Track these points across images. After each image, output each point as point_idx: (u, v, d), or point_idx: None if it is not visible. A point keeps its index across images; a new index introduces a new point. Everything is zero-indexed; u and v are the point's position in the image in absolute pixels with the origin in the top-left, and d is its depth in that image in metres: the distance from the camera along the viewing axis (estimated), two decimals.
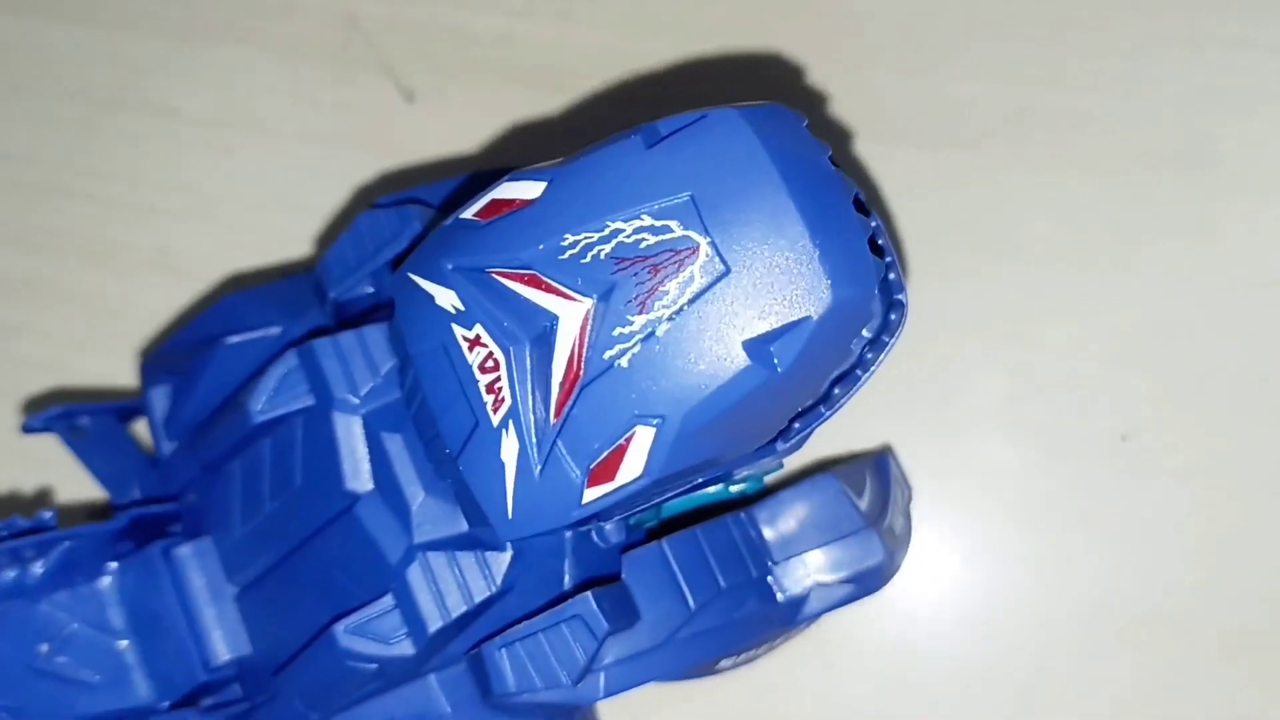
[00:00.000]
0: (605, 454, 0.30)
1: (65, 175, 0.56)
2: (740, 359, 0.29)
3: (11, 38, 0.57)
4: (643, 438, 0.30)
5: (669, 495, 0.34)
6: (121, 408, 0.47)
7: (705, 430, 0.30)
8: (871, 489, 0.42)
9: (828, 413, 0.34)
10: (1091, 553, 0.45)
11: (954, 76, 0.48)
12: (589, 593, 0.35)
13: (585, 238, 0.30)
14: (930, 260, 0.47)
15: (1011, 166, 0.47)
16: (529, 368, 0.31)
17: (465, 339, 0.31)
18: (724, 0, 0.50)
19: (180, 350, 0.44)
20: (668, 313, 0.29)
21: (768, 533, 0.40)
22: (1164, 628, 0.44)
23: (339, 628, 0.37)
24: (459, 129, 0.52)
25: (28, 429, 0.44)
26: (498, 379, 0.31)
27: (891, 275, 0.33)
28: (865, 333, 0.32)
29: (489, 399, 0.31)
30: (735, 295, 0.29)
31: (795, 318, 0.29)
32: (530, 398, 0.31)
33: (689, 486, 0.34)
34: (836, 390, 0.34)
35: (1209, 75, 0.46)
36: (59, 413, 0.44)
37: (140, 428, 0.49)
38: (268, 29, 0.55)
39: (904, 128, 0.48)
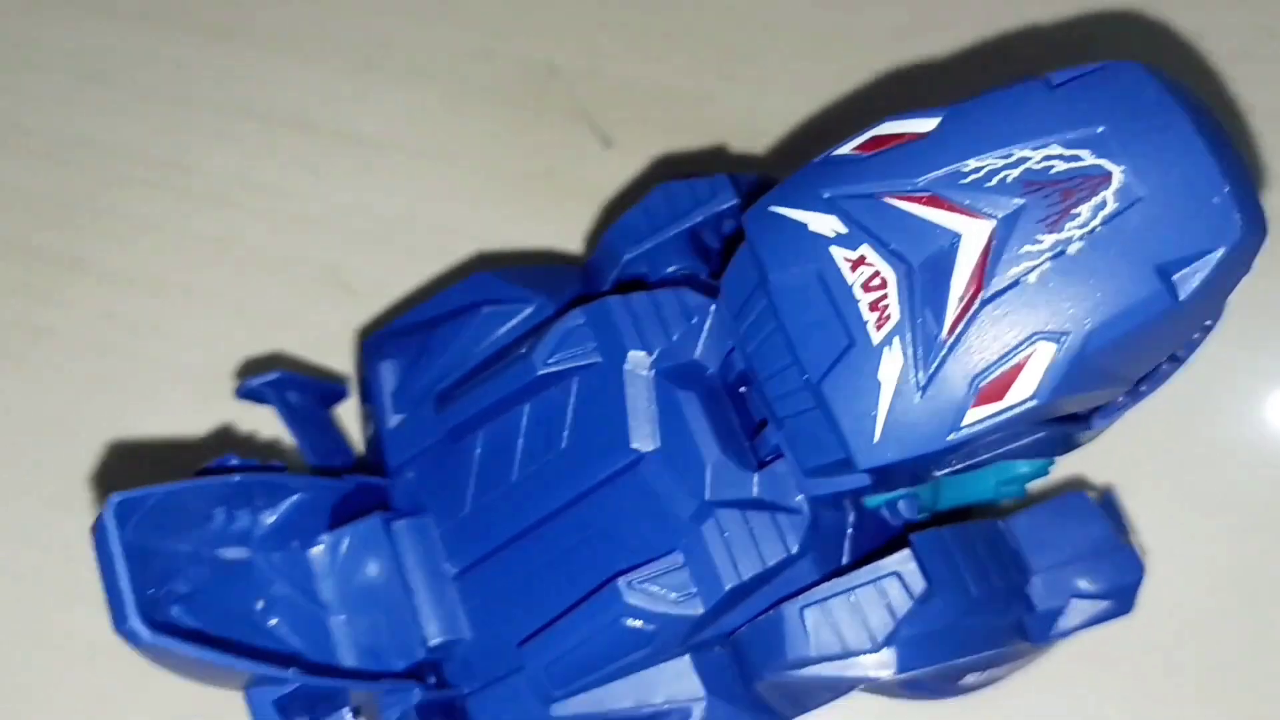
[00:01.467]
0: (999, 371, 0.31)
1: (237, 188, 0.56)
2: (1150, 282, 0.30)
3: (202, 59, 0.58)
4: (1042, 355, 0.30)
5: (999, 454, 0.34)
6: (326, 388, 0.45)
7: (1101, 354, 0.30)
8: (1111, 518, 0.42)
9: (1146, 391, 0.35)
10: None
11: None
12: (908, 551, 0.34)
13: (990, 163, 0.31)
14: None
15: None
16: (921, 285, 0.31)
17: (847, 260, 0.32)
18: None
19: (411, 328, 0.43)
20: (1080, 233, 0.30)
21: (1024, 546, 0.40)
22: None
23: (621, 582, 0.35)
24: (653, 176, 0.54)
25: (244, 390, 0.43)
26: (883, 297, 0.31)
27: None
28: None
29: (871, 317, 0.31)
30: (1148, 221, 0.30)
31: (1206, 248, 0.30)
32: (921, 314, 0.31)
33: (1016, 447, 0.34)
34: (1164, 367, 0.35)
35: None
36: (279, 377, 0.43)
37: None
38: (464, 69, 0.57)
39: None
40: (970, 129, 0.32)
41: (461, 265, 0.52)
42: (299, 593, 0.40)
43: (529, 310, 0.41)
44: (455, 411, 0.40)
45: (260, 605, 0.39)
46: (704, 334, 0.37)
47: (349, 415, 0.48)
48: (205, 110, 0.57)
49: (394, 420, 0.42)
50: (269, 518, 0.39)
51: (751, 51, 0.55)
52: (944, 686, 0.40)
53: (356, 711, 0.38)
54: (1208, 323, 0.33)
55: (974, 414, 0.31)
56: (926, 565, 0.35)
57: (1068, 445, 0.36)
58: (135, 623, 0.31)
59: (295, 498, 0.40)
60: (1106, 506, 0.43)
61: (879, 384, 0.31)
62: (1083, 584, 0.39)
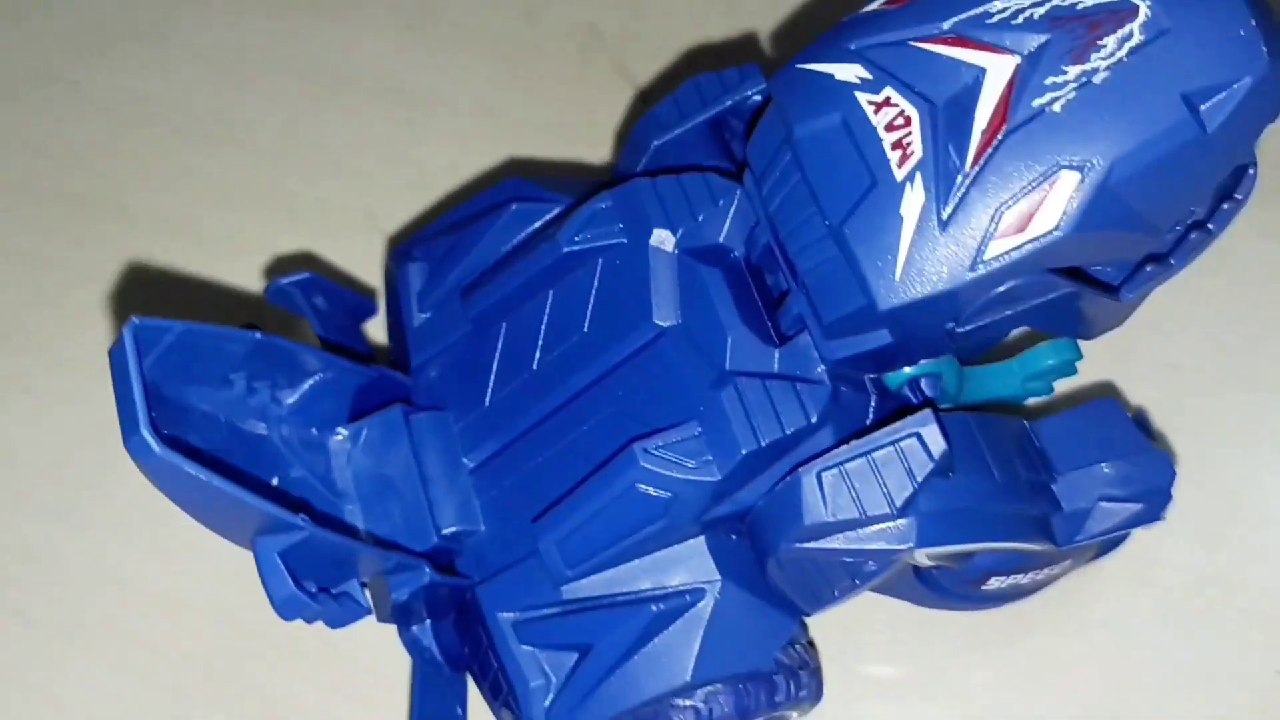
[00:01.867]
0: (1023, 201, 0.30)
1: (280, 141, 0.57)
2: (1176, 110, 0.30)
3: (251, 23, 0.60)
4: (1066, 183, 0.30)
5: (1023, 311, 0.33)
6: (354, 298, 0.46)
7: (1126, 184, 0.30)
8: (1142, 426, 0.41)
9: (1176, 264, 0.35)
10: None
11: None
12: (929, 411, 0.34)
13: (1016, 3, 0.31)
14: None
15: None
16: (945, 122, 0.31)
17: (871, 103, 0.32)
18: None
19: (440, 232, 0.44)
20: (1105, 63, 0.30)
21: (1051, 447, 0.39)
22: None
23: (637, 447, 0.35)
24: None
25: (272, 289, 0.43)
26: (907, 134, 0.31)
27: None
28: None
29: (894, 155, 0.31)
30: (1174, 52, 0.30)
31: (1233, 77, 0.30)
32: (944, 149, 0.31)
33: (1041, 305, 0.33)
34: (1192, 237, 0.34)
35: None
36: (308, 278, 0.43)
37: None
38: (506, 31, 0.58)
39: None
40: None
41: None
42: (315, 479, 0.40)
43: (558, 209, 0.41)
44: (479, 300, 0.40)
45: (274, 483, 0.38)
46: (730, 216, 0.37)
47: (379, 333, 0.49)
48: (255, 69, 0.58)
49: (419, 319, 0.42)
50: (289, 397, 0.39)
51: (786, 6, 0.56)
52: (966, 590, 0.39)
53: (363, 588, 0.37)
54: (1239, 173, 0.33)
55: (997, 246, 0.31)
56: (949, 436, 0.35)
57: (1095, 322, 0.36)
58: (146, 433, 0.30)
59: (316, 378, 0.39)
60: (1138, 419, 0.42)
61: (901, 220, 0.31)
62: (1111, 486, 0.38)
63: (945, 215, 0.31)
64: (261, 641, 0.46)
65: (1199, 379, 0.46)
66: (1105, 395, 0.41)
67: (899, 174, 0.31)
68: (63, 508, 0.49)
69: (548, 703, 0.37)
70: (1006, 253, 0.31)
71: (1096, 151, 0.30)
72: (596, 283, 0.39)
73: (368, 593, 0.38)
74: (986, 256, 0.31)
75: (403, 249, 0.45)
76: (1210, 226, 0.34)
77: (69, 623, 0.47)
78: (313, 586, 0.35)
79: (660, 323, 0.37)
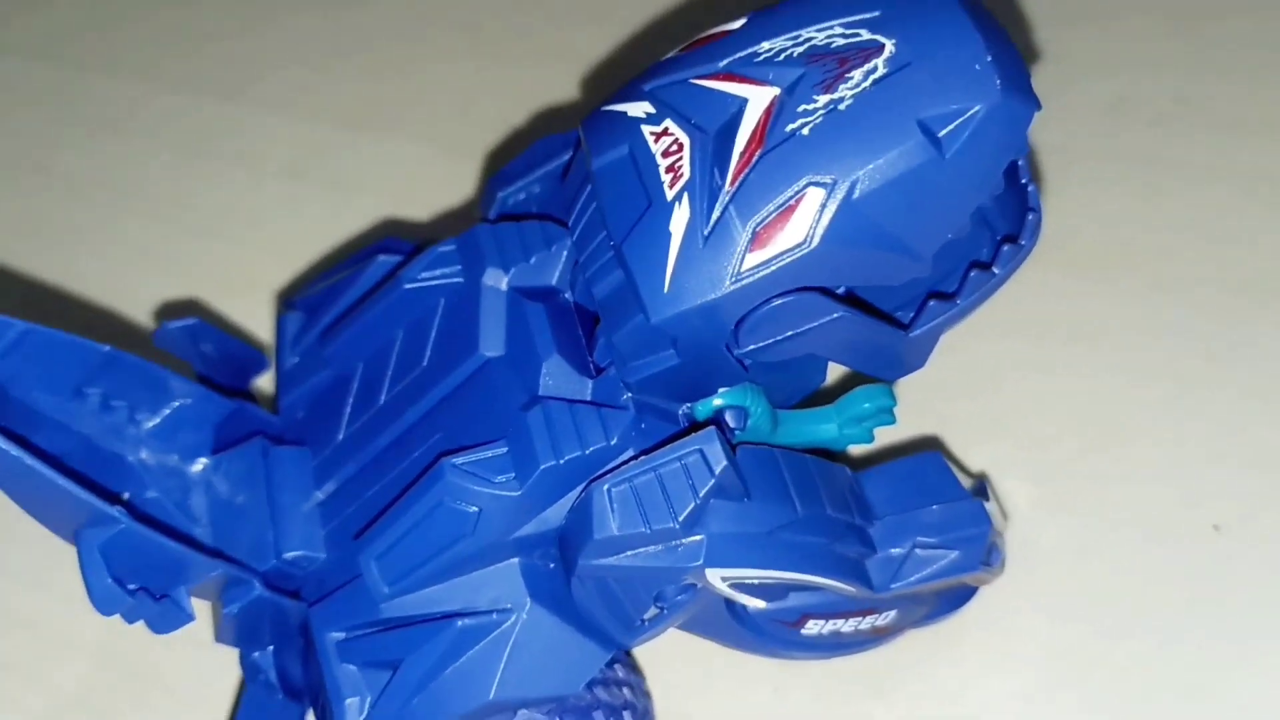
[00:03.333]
0: (774, 215, 0.32)
1: (224, 222, 0.61)
2: (913, 133, 0.32)
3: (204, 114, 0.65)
4: (812, 199, 0.32)
5: (807, 346, 0.35)
6: (242, 348, 0.48)
7: (868, 201, 0.32)
8: (974, 490, 0.42)
9: (963, 301, 0.36)
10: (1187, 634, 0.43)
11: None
12: (713, 429, 0.35)
13: (781, 44, 0.34)
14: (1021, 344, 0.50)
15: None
16: (713, 147, 0.33)
17: (653, 134, 0.35)
18: None
19: (321, 284, 0.47)
20: (851, 92, 0.32)
21: (871, 494, 0.40)
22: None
23: (445, 463, 0.36)
24: None
25: (160, 333, 0.46)
26: (679, 159, 0.34)
27: (1029, 187, 0.37)
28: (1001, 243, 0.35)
29: (667, 178, 0.34)
30: (914, 83, 0.32)
31: (966, 105, 0.32)
32: (709, 170, 0.33)
33: (829, 338, 0.35)
34: (972, 275, 0.36)
35: None
36: (195, 324, 0.46)
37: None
38: (442, 124, 0.62)
39: None
40: (769, 21, 0.35)
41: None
42: (170, 501, 0.41)
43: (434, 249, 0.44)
44: (335, 340, 0.43)
45: (124, 498, 0.40)
46: (562, 260, 0.40)
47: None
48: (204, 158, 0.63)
49: (289, 362, 0.45)
50: (150, 421, 0.42)
51: None
52: (783, 632, 0.40)
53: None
54: (1023, 218, 0.35)
55: (752, 258, 0.32)
56: (745, 466, 0.36)
57: (891, 360, 0.37)
58: None
59: (177, 404, 0.42)
60: (979, 484, 0.43)
61: (669, 235, 0.33)
62: (926, 532, 0.39)
63: (707, 231, 0.33)
64: (135, 682, 0.48)
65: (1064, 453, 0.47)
66: (931, 450, 0.42)
67: (669, 194, 0.33)
68: None
69: (361, 718, 0.38)
70: (760, 264, 0.32)
71: (839, 170, 0.32)
72: (438, 320, 0.41)
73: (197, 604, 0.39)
74: (743, 269, 0.33)
75: (288, 300, 0.47)
76: (995, 269, 0.36)
77: None
78: (134, 586, 0.37)
79: (486, 353, 0.39)
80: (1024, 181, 0.37)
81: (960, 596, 0.43)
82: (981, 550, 0.39)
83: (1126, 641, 0.43)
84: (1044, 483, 0.47)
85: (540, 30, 0.65)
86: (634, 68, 0.58)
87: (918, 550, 0.39)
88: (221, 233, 0.60)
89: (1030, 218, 0.36)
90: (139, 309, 0.57)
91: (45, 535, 0.49)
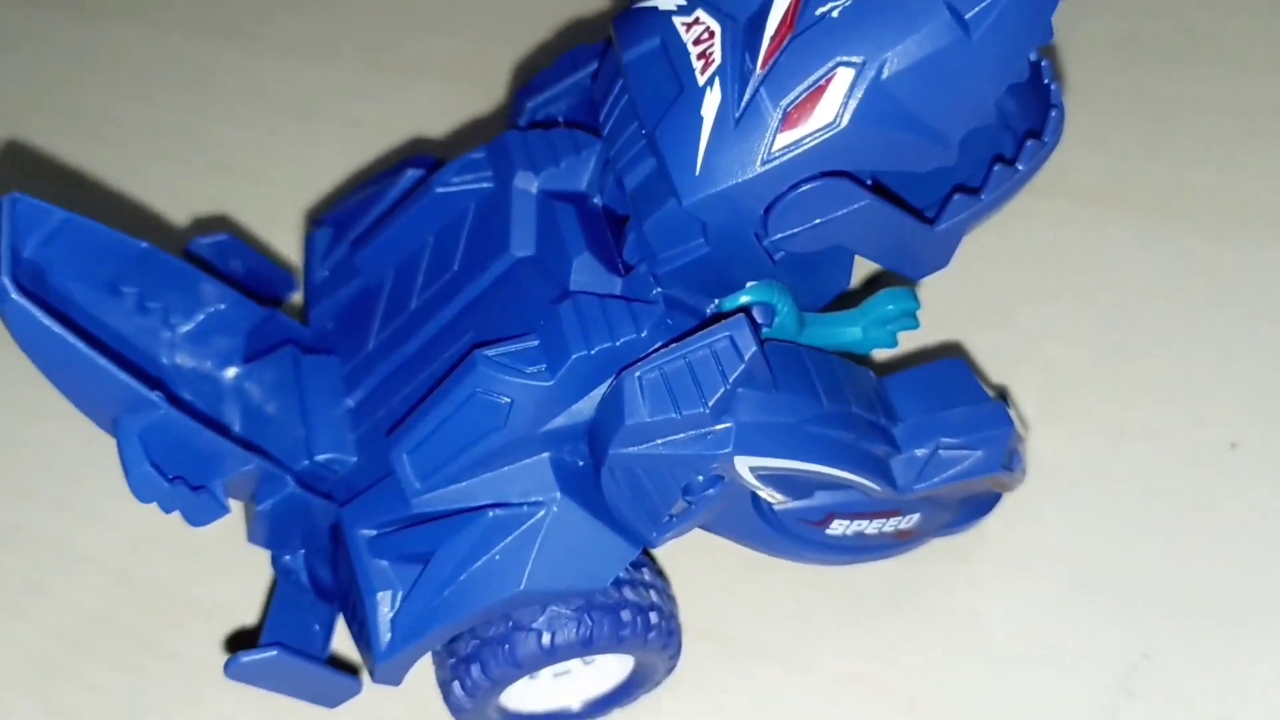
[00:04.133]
0: (804, 95, 0.33)
1: (243, 159, 0.61)
2: (941, 13, 0.32)
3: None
4: (842, 79, 0.33)
5: (835, 236, 0.35)
6: (271, 267, 0.49)
7: (898, 80, 0.33)
8: (989, 388, 0.42)
9: (985, 198, 0.37)
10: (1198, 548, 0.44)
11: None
12: (742, 316, 0.36)
13: None
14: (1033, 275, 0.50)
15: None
16: (743, 31, 0.34)
17: (683, 24, 0.35)
18: None
19: (351, 200, 0.47)
20: None
21: (896, 397, 0.40)
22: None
23: (479, 353, 0.37)
24: None
25: (192, 246, 0.46)
26: (710, 46, 0.34)
27: (1052, 85, 0.37)
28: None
29: (698, 65, 0.34)
30: None
31: None
32: (740, 55, 0.34)
33: (857, 229, 0.35)
34: (996, 170, 0.37)
35: None
36: (225, 240, 0.46)
37: None
38: (456, 68, 0.63)
39: None
40: None
41: None
42: (202, 405, 0.42)
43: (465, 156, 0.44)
44: (365, 249, 0.43)
45: (157, 396, 0.41)
46: (591, 165, 0.40)
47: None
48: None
49: (319, 276, 0.46)
50: (184, 325, 0.42)
51: None
52: (808, 531, 0.40)
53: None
54: (1045, 115, 0.35)
55: (783, 139, 0.33)
56: (773, 360, 0.36)
57: (916, 254, 0.38)
58: (5, 280, 0.33)
59: (212, 309, 0.42)
60: (1000, 392, 0.43)
61: (701, 120, 0.34)
62: (949, 433, 0.39)
63: (738, 114, 0.33)
64: (164, 604, 0.48)
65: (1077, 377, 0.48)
66: (953, 356, 0.42)
67: (700, 79, 0.34)
68: None
69: (393, 611, 0.38)
70: (791, 144, 0.33)
71: (868, 50, 0.33)
72: (468, 224, 0.41)
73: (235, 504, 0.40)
74: (774, 150, 0.33)
75: (317, 219, 0.48)
76: (1018, 165, 0.37)
77: None
78: (172, 475, 0.37)
79: (516, 253, 0.39)
80: (1046, 80, 0.37)
81: (983, 505, 0.43)
82: (1003, 451, 0.40)
83: (1141, 553, 0.44)
84: (1057, 400, 0.47)
85: None
86: None
87: (941, 451, 0.39)
88: (243, 171, 0.60)
89: (1053, 114, 0.37)
90: (162, 236, 0.58)
91: (69, 456, 0.50)
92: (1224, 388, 0.47)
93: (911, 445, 0.39)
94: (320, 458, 0.41)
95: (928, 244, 0.37)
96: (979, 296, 0.50)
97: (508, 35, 0.63)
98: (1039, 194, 0.51)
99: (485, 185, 0.41)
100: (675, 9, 0.36)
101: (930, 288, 0.45)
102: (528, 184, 0.40)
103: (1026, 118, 0.39)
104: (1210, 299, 0.49)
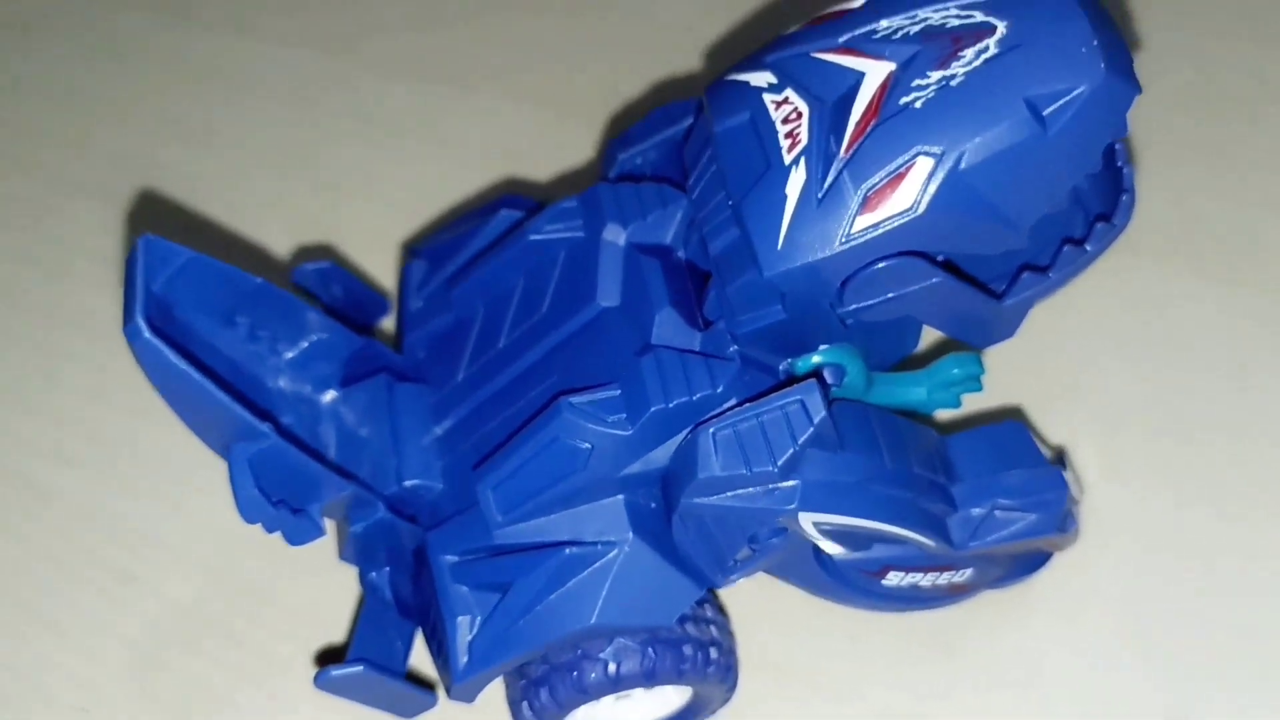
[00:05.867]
0: (885, 181, 0.35)
1: (340, 175, 0.64)
2: (1019, 110, 0.34)
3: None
4: (921, 167, 0.34)
5: (903, 298, 0.37)
6: (369, 293, 0.51)
7: (976, 172, 0.34)
8: (1053, 459, 0.44)
9: (1054, 275, 0.39)
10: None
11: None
12: (814, 381, 0.38)
13: (899, 23, 0.36)
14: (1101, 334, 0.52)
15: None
16: (830, 114, 0.36)
17: (774, 101, 0.37)
18: None
19: (445, 234, 0.50)
20: (964, 70, 0.35)
21: (956, 457, 0.42)
22: None
23: (564, 401, 0.39)
24: None
25: (297, 273, 0.49)
26: (798, 126, 0.36)
27: (1125, 169, 0.39)
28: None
29: (785, 143, 0.36)
30: (1023, 63, 0.34)
31: (1071, 85, 0.34)
32: (826, 137, 0.36)
33: (922, 299, 0.37)
34: (1065, 250, 0.38)
35: None
36: (328, 268, 0.49)
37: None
38: (547, 91, 0.65)
39: None
40: (888, 1, 0.37)
41: None
42: (302, 427, 0.45)
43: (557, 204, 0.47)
44: (460, 287, 0.46)
45: (265, 427, 0.44)
46: (676, 219, 0.43)
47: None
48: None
49: (414, 305, 0.48)
50: (289, 351, 0.45)
51: None
52: (865, 581, 0.42)
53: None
54: (1116, 199, 0.37)
55: (862, 221, 0.35)
56: (840, 420, 0.38)
57: (982, 326, 0.39)
58: (140, 320, 0.36)
59: (314, 337, 0.45)
60: (1059, 456, 0.45)
61: (785, 197, 0.36)
62: (1006, 495, 0.41)
63: (821, 194, 0.35)
64: (248, 598, 0.51)
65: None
66: (1014, 419, 0.44)
67: (787, 158, 0.36)
68: (70, 451, 0.55)
69: (471, 635, 0.41)
70: (870, 227, 0.35)
71: (949, 141, 0.34)
72: (558, 270, 0.44)
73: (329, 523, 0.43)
74: (853, 231, 0.35)
75: (413, 249, 0.51)
76: (1087, 246, 0.38)
77: (59, 548, 0.53)
78: (276, 499, 0.40)
79: (603, 302, 0.42)
80: (1120, 164, 0.39)
81: (1034, 562, 0.45)
82: (1058, 515, 0.41)
83: (1192, 617, 0.45)
84: (1116, 459, 0.49)
85: (653, 3, 0.68)
86: (743, 45, 0.61)
87: (997, 512, 0.41)
88: (341, 187, 0.63)
89: (1124, 198, 0.38)
90: (266, 257, 0.61)
91: (174, 459, 0.53)
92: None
93: (968, 505, 0.41)
94: (409, 483, 0.43)
95: (995, 317, 0.39)
96: (1049, 342, 0.51)
97: (596, 66, 0.65)
98: (1113, 251, 0.53)
99: (576, 234, 0.43)
100: (766, 86, 0.37)
101: (998, 347, 0.46)
102: (616, 236, 0.42)
103: (1099, 197, 0.40)
104: (1273, 365, 0.50)
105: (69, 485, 0.55)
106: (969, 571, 0.43)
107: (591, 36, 0.67)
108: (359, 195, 0.63)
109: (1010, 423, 0.43)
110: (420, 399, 0.46)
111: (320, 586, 0.50)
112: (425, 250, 0.50)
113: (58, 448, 0.56)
